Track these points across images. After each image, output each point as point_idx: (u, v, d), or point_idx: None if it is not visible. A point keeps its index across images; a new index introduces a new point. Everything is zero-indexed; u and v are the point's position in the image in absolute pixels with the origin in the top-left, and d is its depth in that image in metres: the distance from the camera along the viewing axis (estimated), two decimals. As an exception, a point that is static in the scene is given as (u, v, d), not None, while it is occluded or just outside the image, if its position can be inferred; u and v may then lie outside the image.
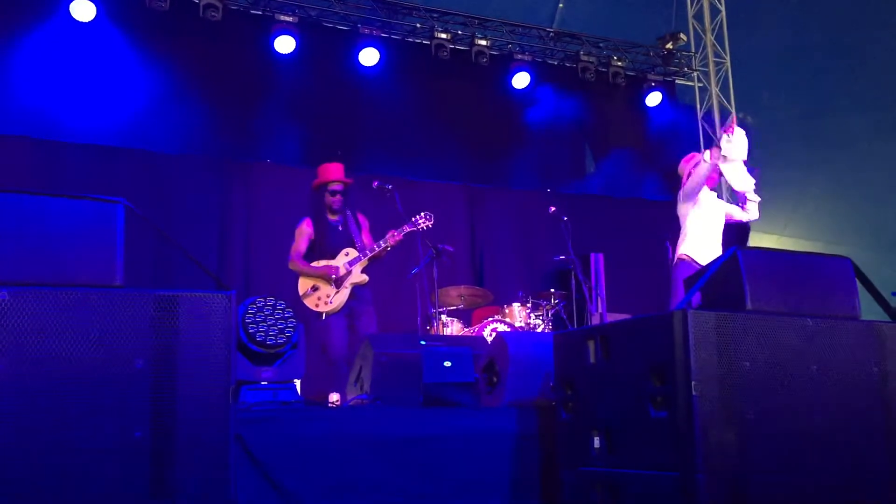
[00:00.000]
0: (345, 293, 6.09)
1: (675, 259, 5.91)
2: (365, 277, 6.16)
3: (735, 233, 10.10)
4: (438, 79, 9.84)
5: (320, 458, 3.42)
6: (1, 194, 2.63)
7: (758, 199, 5.94)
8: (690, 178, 5.83)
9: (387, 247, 6.15)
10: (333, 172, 6.30)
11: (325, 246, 6.22)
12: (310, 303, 6.14)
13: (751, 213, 5.95)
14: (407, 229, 6.19)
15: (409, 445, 3.59)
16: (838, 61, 10.91)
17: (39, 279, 2.59)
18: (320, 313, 6.13)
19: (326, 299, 6.09)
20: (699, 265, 5.64)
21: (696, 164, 5.89)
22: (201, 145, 8.65)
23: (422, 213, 6.21)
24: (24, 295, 2.49)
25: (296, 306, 6.03)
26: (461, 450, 3.67)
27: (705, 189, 5.95)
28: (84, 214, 2.73)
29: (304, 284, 6.20)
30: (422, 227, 6.22)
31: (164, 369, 2.64)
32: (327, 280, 6.12)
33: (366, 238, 6.30)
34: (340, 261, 6.16)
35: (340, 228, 6.29)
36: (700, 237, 5.84)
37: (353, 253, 6.17)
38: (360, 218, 6.42)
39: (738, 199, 6.01)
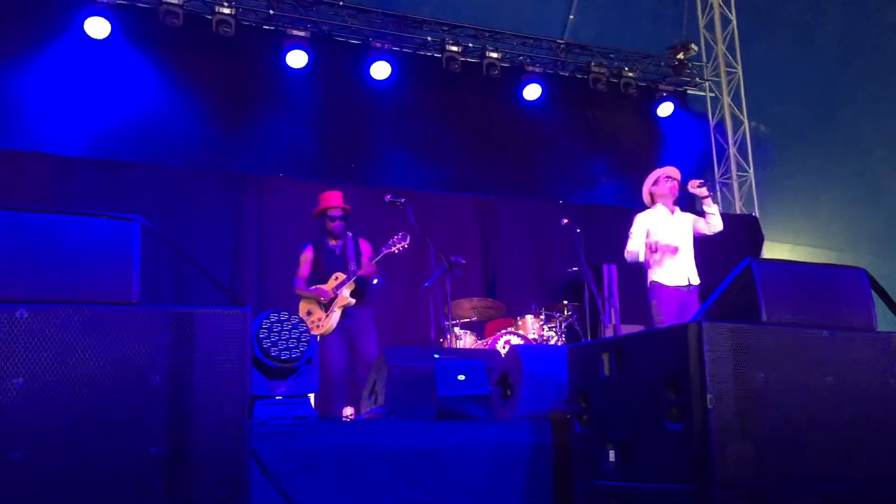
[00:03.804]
0: (333, 316, 6.30)
1: (648, 283, 6.14)
2: (351, 300, 6.32)
3: (748, 242, 10.11)
4: (450, 91, 9.87)
5: (334, 473, 3.42)
6: (18, 212, 2.66)
7: (717, 206, 6.14)
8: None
9: (365, 273, 6.33)
10: (332, 199, 6.54)
11: (321, 270, 6.48)
12: None
13: (714, 224, 6.09)
14: (384, 251, 6.38)
15: (423, 459, 3.59)
16: (849, 69, 10.88)
17: (57, 297, 2.61)
18: (315, 336, 6.29)
19: (318, 322, 6.33)
20: (666, 286, 5.97)
21: (655, 180, 6.20)
22: (214, 160, 8.71)
23: (398, 234, 6.37)
24: (41, 313, 2.51)
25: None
26: (475, 463, 3.66)
27: (662, 216, 6.16)
28: (101, 232, 2.75)
29: (301, 308, 6.49)
30: (395, 251, 6.34)
31: (180, 385, 2.65)
32: (319, 303, 6.37)
33: (365, 262, 6.46)
34: (330, 285, 6.37)
35: (338, 253, 6.52)
36: (664, 263, 6.04)
37: (341, 277, 6.37)
38: (362, 243, 6.60)
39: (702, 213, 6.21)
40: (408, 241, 6.33)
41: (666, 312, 5.91)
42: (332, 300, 6.31)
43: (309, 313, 6.41)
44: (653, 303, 6.02)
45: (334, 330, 6.30)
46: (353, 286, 6.32)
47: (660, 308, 5.97)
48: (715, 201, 6.16)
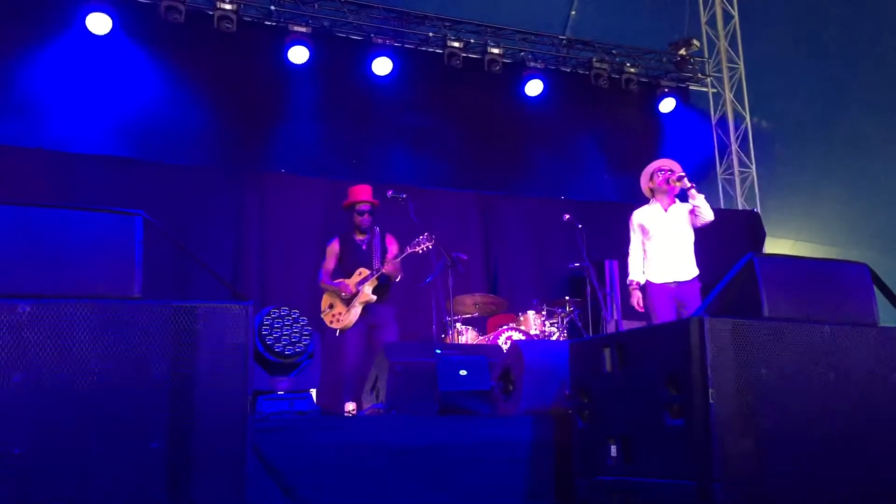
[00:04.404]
0: (354, 311, 6.30)
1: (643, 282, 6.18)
2: (373, 297, 6.30)
3: (749, 238, 10.10)
4: (451, 87, 9.87)
5: (336, 467, 3.42)
6: (21, 208, 2.66)
7: (702, 197, 6.07)
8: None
9: (388, 270, 6.32)
10: (361, 193, 6.54)
11: (346, 264, 6.48)
12: (326, 319, 6.43)
13: (703, 215, 6.03)
14: (408, 250, 6.37)
15: (425, 454, 3.59)
16: (851, 65, 10.85)
17: (59, 291, 2.61)
18: (335, 329, 6.37)
19: (338, 316, 6.34)
20: (655, 284, 6.01)
21: (650, 176, 6.21)
22: (216, 156, 8.72)
23: (423, 235, 6.37)
24: (43, 307, 2.52)
25: (311, 316, 6.10)
26: (477, 458, 3.67)
27: (656, 212, 6.15)
28: (103, 226, 2.75)
29: (324, 301, 6.49)
30: (419, 251, 6.33)
31: (182, 380, 2.65)
32: (340, 298, 6.36)
33: (389, 260, 6.45)
34: (353, 280, 6.36)
35: (364, 248, 6.51)
36: (654, 259, 6.07)
37: (365, 272, 6.36)
38: (389, 240, 6.59)
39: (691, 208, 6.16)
40: (433, 243, 6.32)
41: (657, 310, 5.92)
42: (353, 295, 6.30)
43: (331, 306, 6.41)
44: (648, 301, 6.04)
45: (354, 325, 6.30)
46: (375, 283, 6.32)
47: (650, 305, 5.98)
48: (700, 191, 6.10)
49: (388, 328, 6.39)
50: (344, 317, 6.29)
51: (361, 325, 6.32)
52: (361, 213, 6.48)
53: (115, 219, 2.77)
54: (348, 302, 6.31)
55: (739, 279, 3.11)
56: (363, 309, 6.31)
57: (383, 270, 6.30)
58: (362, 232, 6.52)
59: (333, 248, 6.54)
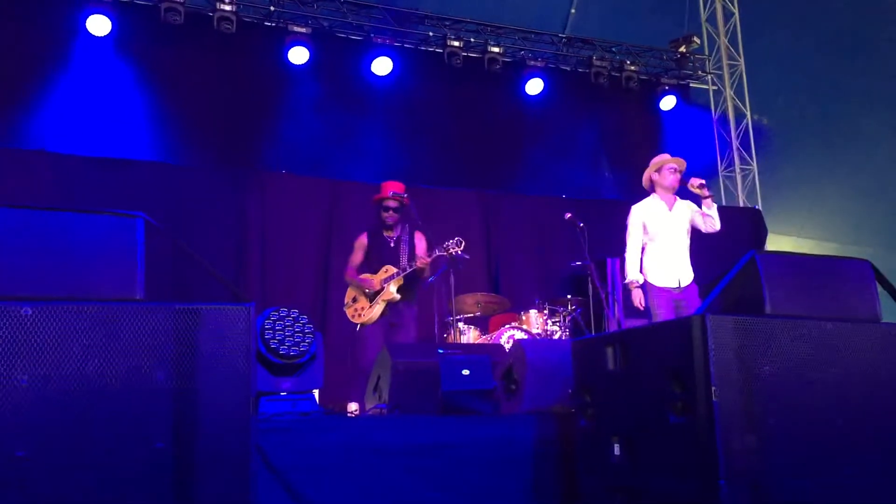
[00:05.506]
0: (377, 308, 6.26)
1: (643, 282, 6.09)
2: (397, 296, 6.25)
3: (751, 235, 10.08)
4: (452, 86, 9.87)
5: (339, 468, 3.42)
6: (22, 210, 2.66)
7: (715, 207, 5.98)
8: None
9: (416, 269, 6.24)
10: (388, 189, 6.46)
11: (373, 260, 6.43)
12: (348, 313, 6.42)
13: (712, 224, 5.96)
14: (437, 253, 6.28)
15: (428, 454, 3.59)
16: (852, 61, 10.84)
17: (61, 294, 2.62)
18: (356, 324, 6.35)
19: (361, 311, 6.31)
20: (657, 287, 5.88)
21: (658, 169, 6.05)
22: (217, 157, 8.71)
23: (454, 239, 6.28)
24: (46, 310, 2.52)
25: (313, 317, 6.10)
26: (480, 457, 3.67)
27: (660, 210, 6.04)
28: (104, 229, 2.75)
29: (348, 294, 6.48)
30: (449, 254, 6.27)
31: (185, 381, 2.66)
32: (364, 293, 6.33)
33: (420, 256, 6.37)
34: (378, 277, 6.31)
35: (392, 245, 6.44)
36: (656, 261, 5.96)
37: (391, 270, 6.29)
38: (418, 238, 6.50)
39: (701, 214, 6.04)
40: (462, 247, 6.25)
41: (659, 312, 5.86)
42: (377, 292, 6.27)
43: (354, 300, 6.38)
44: (649, 301, 5.96)
45: (376, 322, 6.26)
46: (400, 282, 6.26)
47: (652, 306, 5.91)
48: (715, 201, 6.02)
49: (407, 329, 6.33)
50: (366, 312, 6.26)
51: (382, 323, 6.28)
52: (387, 210, 6.40)
53: (116, 221, 2.78)
54: (372, 298, 6.28)
55: (742, 277, 3.11)
56: (386, 307, 6.27)
57: (408, 271, 6.21)
58: (388, 228, 6.45)
59: (361, 241, 6.49)
